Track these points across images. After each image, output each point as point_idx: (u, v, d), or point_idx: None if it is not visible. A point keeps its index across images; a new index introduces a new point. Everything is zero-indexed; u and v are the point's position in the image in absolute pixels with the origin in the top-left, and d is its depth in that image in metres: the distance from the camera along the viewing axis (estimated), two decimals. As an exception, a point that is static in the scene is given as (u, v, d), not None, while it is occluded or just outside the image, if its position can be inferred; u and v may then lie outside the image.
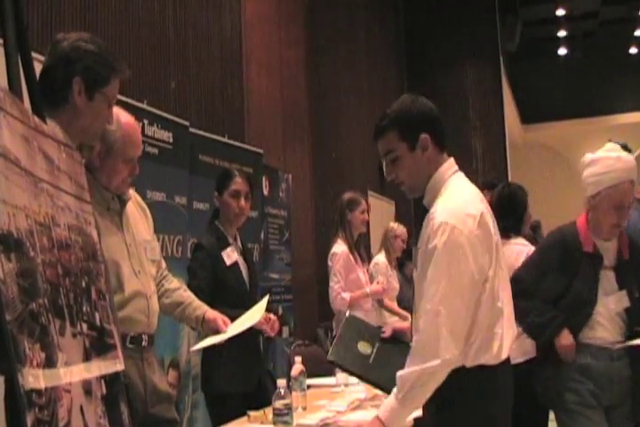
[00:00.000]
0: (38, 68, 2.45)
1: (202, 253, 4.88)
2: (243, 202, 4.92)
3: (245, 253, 5.07)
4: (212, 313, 3.88)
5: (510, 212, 5.20)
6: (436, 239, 2.92)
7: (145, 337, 3.46)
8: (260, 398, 4.56)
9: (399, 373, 2.92)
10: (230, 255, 4.86)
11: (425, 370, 2.84)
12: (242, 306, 4.79)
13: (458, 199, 3.05)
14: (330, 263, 6.62)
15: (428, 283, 2.92)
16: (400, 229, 8.07)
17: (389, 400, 2.96)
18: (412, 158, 3.12)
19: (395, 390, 2.93)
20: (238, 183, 4.94)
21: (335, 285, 6.54)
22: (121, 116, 3.45)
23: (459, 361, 2.89)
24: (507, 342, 3.00)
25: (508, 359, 3.05)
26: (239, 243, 5.03)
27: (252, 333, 4.90)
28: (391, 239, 7.97)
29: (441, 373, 2.86)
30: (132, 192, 3.66)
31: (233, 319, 4.27)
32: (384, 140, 3.18)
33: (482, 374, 2.95)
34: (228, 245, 4.89)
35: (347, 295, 6.52)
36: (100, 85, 2.81)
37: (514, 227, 5.18)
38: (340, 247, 6.66)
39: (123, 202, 3.51)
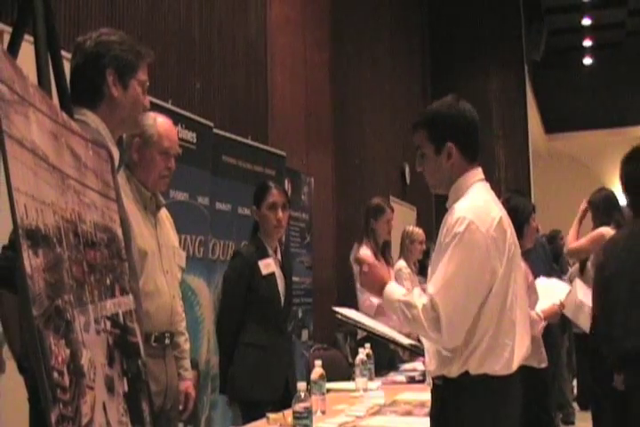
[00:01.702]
0: (66, 66, 2.46)
1: (238, 261, 4.94)
2: (280, 214, 4.97)
3: (285, 267, 5.09)
4: (183, 385, 3.79)
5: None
6: (452, 232, 2.98)
7: (167, 335, 3.50)
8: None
9: (417, 291, 3.05)
10: (267, 266, 4.89)
11: (420, 319, 2.94)
12: (274, 316, 4.86)
13: (478, 201, 3.11)
14: (355, 268, 6.63)
15: (437, 270, 2.98)
16: (416, 232, 7.96)
17: (398, 291, 3.12)
18: (436, 162, 3.20)
19: (406, 293, 3.08)
20: (275, 195, 4.99)
21: None
22: (158, 116, 3.64)
23: (447, 346, 2.98)
24: (518, 355, 3.01)
25: (517, 372, 3.04)
26: (279, 256, 5.07)
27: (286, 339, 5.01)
28: (408, 245, 7.92)
29: (423, 335, 3.07)
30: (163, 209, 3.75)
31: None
32: (417, 135, 3.25)
33: (489, 383, 2.96)
34: (266, 255, 4.93)
35: (376, 300, 6.52)
36: (131, 72, 2.85)
37: None
38: (363, 252, 6.67)
39: (158, 206, 3.59)
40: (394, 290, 3.11)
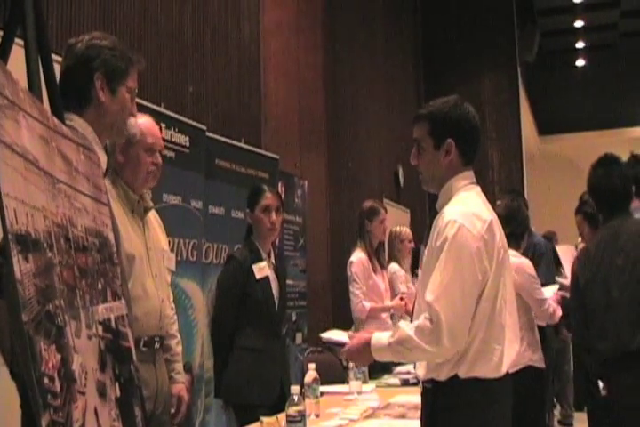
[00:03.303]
0: (57, 70, 2.45)
1: (233, 264, 4.94)
2: (274, 217, 4.99)
3: (278, 270, 5.10)
4: (175, 388, 3.79)
5: (515, 224, 5.18)
6: (443, 236, 2.98)
7: (157, 339, 3.49)
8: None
9: (403, 324, 3.04)
10: (261, 269, 4.91)
11: (419, 344, 2.91)
12: (268, 320, 4.86)
13: (469, 204, 3.11)
14: (348, 271, 6.65)
15: (432, 276, 2.96)
16: (404, 231, 7.97)
17: (384, 336, 3.07)
18: (433, 157, 3.18)
19: (392, 332, 3.04)
20: (269, 198, 5.02)
21: (356, 290, 6.58)
22: (138, 115, 3.60)
23: (449, 356, 2.94)
24: (507, 358, 3.01)
25: (507, 374, 3.04)
26: (272, 259, 5.07)
27: (281, 343, 5.02)
28: (398, 244, 7.91)
29: (428, 357, 3.00)
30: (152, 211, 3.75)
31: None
32: (417, 128, 3.24)
33: (478, 386, 2.96)
34: (260, 259, 4.94)
35: (367, 304, 6.56)
36: (121, 78, 2.84)
37: (514, 239, 5.14)
38: (358, 255, 6.70)
39: (146, 209, 3.58)
40: (378, 339, 3.09)
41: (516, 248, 5.18)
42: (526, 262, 5.20)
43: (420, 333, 2.91)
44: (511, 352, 3.03)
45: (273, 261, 5.08)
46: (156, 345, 3.50)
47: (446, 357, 2.95)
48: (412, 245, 8.00)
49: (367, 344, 3.10)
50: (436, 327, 2.87)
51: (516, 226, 5.17)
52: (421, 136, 3.21)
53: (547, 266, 6.83)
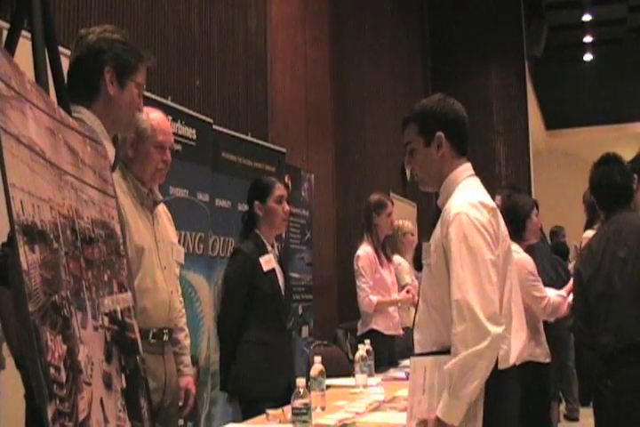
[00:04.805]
0: (64, 62, 2.45)
1: (240, 258, 4.94)
2: (287, 206, 5.01)
3: (281, 262, 5.11)
4: (183, 381, 3.80)
5: (512, 216, 5.15)
6: (451, 230, 2.97)
7: (166, 332, 3.50)
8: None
9: (445, 367, 2.84)
10: (268, 262, 4.91)
11: (470, 353, 2.79)
12: (276, 313, 4.87)
13: (472, 195, 3.11)
14: (355, 266, 6.64)
15: (452, 273, 2.92)
16: (406, 225, 7.94)
17: (444, 397, 2.84)
18: (426, 153, 3.22)
19: (445, 390, 2.85)
20: (281, 189, 5.06)
21: (363, 284, 6.57)
22: (150, 110, 3.63)
23: (504, 338, 2.87)
24: (515, 348, 3.00)
25: (514, 366, 3.04)
26: (276, 251, 5.08)
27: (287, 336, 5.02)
28: (401, 237, 7.89)
29: (487, 353, 2.81)
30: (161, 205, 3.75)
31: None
32: (406, 131, 3.30)
33: (488, 377, 2.92)
34: (266, 252, 4.94)
35: (375, 298, 6.54)
36: (130, 73, 2.85)
37: (515, 232, 5.11)
38: (364, 249, 6.69)
39: (155, 202, 3.59)
40: (440, 407, 2.86)
41: (519, 241, 5.17)
42: (526, 259, 5.16)
43: (463, 341, 2.81)
44: (518, 342, 3.03)
45: (277, 252, 5.09)
46: (165, 337, 3.51)
47: (503, 342, 2.88)
48: (415, 238, 7.99)
49: (437, 420, 2.86)
50: (473, 319, 2.80)
51: (513, 219, 5.15)
52: (412, 138, 3.26)
53: (541, 255, 6.78)
